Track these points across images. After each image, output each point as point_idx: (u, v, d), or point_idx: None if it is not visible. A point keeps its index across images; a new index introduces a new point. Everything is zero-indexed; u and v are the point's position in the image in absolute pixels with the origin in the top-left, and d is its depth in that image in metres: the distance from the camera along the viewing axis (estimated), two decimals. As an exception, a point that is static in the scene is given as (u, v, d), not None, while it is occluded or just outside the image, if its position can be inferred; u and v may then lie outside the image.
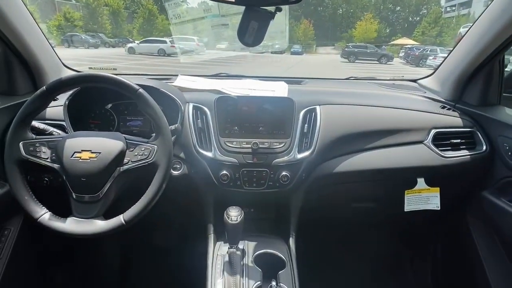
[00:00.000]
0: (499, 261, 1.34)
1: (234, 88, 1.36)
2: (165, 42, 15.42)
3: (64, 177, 0.93)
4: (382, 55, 19.26)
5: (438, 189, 1.36)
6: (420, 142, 1.32)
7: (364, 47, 20.37)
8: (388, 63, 18.72)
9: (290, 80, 1.58)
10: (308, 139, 1.23)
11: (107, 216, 0.94)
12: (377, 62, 18.70)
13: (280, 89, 1.38)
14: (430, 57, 15.00)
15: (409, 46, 21.71)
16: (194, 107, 1.25)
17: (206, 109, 1.24)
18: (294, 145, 1.21)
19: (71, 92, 1.19)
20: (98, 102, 1.33)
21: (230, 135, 1.23)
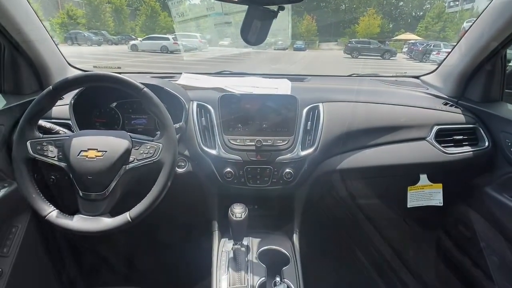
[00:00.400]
0: (501, 256, 1.35)
1: (237, 86, 1.37)
2: (167, 39, 15.36)
3: (71, 175, 0.95)
4: (385, 50, 19.09)
5: (440, 185, 1.36)
6: (423, 138, 1.33)
7: (367, 43, 20.21)
8: (391, 58, 18.58)
9: (293, 78, 1.58)
10: (311, 136, 1.24)
11: (113, 213, 0.96)
12: (380, 58, 18.58)
13: (283, 87, 1.39)
14: (434, 52, 14.87)
15: (412, 41, 21.52)
16: (198, 105, 1.26)
17: (210, 107, 1.26)
18: (298, 142, 1.22)
19: (76, 91, 1.20)
20: (103, 100, 1.34)
21: (234, 133, 1.24)
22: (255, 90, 1.35)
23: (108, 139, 0.97)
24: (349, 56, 18.94)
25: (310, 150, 1.21)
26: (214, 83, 1.40)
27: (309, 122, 1.25)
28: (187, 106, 1.24)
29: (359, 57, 18.59)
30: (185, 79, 1.45)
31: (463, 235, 1.53)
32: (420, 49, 17.54)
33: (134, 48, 16.42)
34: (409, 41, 21.45)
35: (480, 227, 1.44)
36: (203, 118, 1.24)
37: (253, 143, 1.20)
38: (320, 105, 1.28)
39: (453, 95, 1.52)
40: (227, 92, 1.31)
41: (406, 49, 20.12)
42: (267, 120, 1.26)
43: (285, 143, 1.22)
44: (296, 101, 1.26)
